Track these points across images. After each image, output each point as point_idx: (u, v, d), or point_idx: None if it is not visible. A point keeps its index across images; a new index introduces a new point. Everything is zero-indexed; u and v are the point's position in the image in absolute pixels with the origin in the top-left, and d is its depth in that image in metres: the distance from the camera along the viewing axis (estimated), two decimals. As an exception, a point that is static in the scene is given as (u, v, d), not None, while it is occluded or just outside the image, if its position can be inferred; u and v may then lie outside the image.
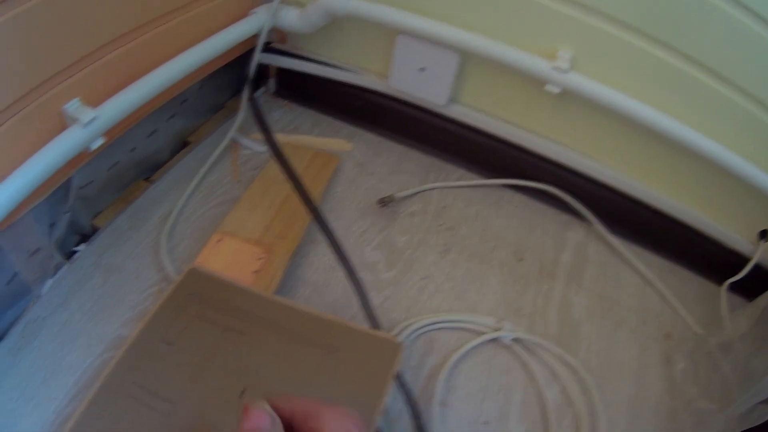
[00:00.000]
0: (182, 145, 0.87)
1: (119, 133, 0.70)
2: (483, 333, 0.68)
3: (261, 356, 0.58)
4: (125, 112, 0.65)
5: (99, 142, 0.63)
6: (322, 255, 0.73)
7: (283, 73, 0.95)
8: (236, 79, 0.93)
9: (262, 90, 0.98)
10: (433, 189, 0.84)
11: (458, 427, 0.60)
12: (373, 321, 0.64)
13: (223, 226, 0.72)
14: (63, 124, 0.61)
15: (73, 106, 0.60)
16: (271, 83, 0.97)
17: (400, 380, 0.60)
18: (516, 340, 0.68)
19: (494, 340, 0.68)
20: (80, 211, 0.72)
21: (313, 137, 0.88)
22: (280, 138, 0.80)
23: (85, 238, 0.73)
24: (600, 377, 0.67)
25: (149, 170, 0.82)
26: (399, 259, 0.74)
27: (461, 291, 0.72)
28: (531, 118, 0.83)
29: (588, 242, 0.83)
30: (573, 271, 0.78)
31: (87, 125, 0.59)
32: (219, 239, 0.70)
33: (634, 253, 0.82)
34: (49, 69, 0.58)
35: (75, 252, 0.71)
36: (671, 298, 0.78)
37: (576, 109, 0.78)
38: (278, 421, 0.33)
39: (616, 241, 0.82)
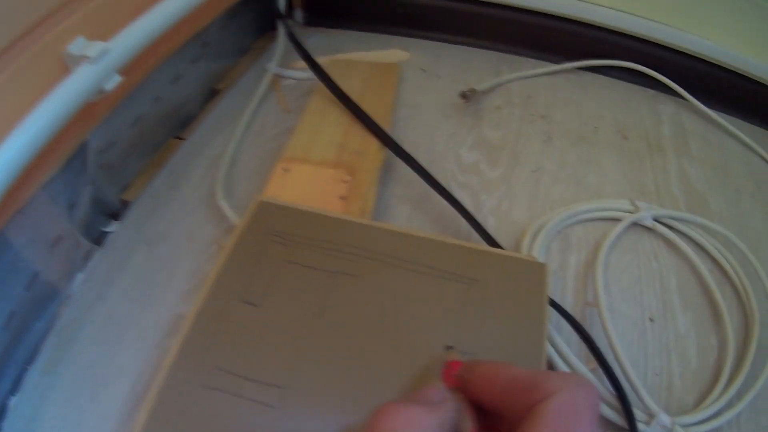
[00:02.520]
0: (211, 93, 0.72)
1: (138, 79, 0.54)
2: (619, 219, 0.55)
3: (389, 302, 0.41)
4: (140, 44, 0.50)
5: (115, 80, 0.47)
6: (412, 164, 0.59)
7: (311, 1, 0.80)
8: (259, 19, 0.78)
9: (289, 23, 0.82)
10: (510, 81, 0.70)
11: (623, 329, 0.48)
12: (487, 237, 0.50)
13: (286, 153, 0.56)
14: (67, 71, 0.45)
15: (78, 44, 0.44)
16: (298, 14, 0.82)
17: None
18: (656, 219, 0.55)
19: (634, 224, 0.55)
20: (105, 184, 0.54)
21: (362, 53, 0.73)
22: (327, 60, 0.66)
23: (115, 217, 0.55)
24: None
25: (179, 126, 0.65)
26: (501, 154, 0.61)
27: (579, 177, 0.59)
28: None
29: (681, 114, 0.70)
30: (678, 144, 0.66)
31: (98, 59, 0.44)
32: (285, 168, 0.54)
33: (728, 122, 0.70)
34: (43, 7, 0.42)
35: (107, 234, 0.53)
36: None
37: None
38: (455, 395, 0.28)
39: (708, 111, 0.70)
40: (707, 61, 0.70)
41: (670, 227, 0.55)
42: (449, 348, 0.36)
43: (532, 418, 0.24)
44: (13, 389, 0.43)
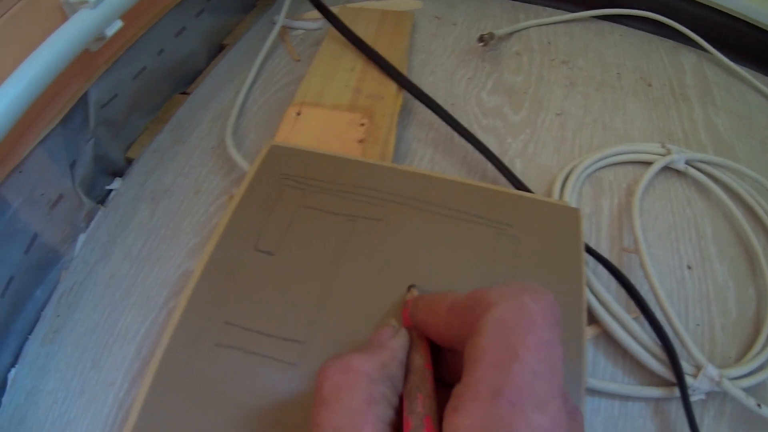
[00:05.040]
0: (218, 49, 0.64)
1: (140, 29, 0.48)
2: (650, 162, 0.48)
3: (416, 248, 0.35)
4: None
5: (116, 25, 0.42)
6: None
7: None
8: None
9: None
10: (528, 28, 0.63)
11: (662, 277, 0.42)
12: (515, 181, 0.43)
13: (298, 97, 0.49)
14: (65, 19, 0.40)
15: (76, -9, 0.39)
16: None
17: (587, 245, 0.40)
18: (688, 163, 0.48)
19: (665, 168, 0.48)
20: (108, 140, 0.48)
21: (373, 1, 0.65)
22: (337, 8, 0.59)
23: (120, 175, 0.50)
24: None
25: (184, 81, 0.58)
26: (523, 99, 0.54)
27: (606, 121, 0.52)
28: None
29: (703, 65, 0.63)
30: (703, 93, 0.59)
31: (96, 4, 0.39)
32: (297, 112, 0.47)
33: (750, 75, 0.62)
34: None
35: (110, 192, 0.48)
36: (798, 115, 0.59)
37: None
38: (403, 332, 0.24)
39: (731, 63, 0.62)
40: (729, 14, 0.63)
41: (702, 172, 0.49)
42: (411, 287, 0.32)
43: (475, 335, 0.19)
44: (14, 361, 0.38)
